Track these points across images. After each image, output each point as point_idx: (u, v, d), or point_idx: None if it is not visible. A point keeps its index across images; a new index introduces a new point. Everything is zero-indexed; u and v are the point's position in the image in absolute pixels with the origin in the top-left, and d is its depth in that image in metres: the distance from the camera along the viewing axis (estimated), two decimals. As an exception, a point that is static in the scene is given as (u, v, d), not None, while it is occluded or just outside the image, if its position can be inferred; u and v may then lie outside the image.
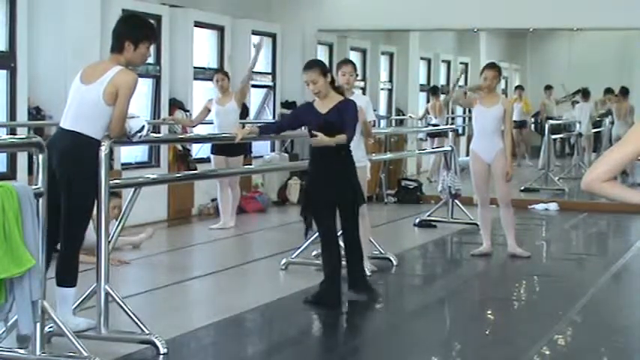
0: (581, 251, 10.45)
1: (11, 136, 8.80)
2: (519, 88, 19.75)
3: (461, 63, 20.15)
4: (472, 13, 14.24)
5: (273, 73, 14.52)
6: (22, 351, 5.11)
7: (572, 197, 14.64)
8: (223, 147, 10.65)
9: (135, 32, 5.71)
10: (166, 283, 7.89)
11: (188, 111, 12.08)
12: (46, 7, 10.01)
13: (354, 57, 15.96)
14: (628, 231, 12.08)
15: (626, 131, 3.08)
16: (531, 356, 5.77)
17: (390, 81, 18.16)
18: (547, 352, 5.95)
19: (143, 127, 5.73)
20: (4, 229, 4.70)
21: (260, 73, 14.23)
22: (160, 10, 11.73)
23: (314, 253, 8.32)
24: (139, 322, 5.60)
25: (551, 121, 16.56)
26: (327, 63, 9.63)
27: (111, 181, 5.68)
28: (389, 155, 13.42)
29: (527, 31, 16.57)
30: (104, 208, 5.57)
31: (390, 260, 8.65)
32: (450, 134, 12.32)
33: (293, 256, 8.42)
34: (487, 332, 6.65)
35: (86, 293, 5.75)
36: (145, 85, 11.60)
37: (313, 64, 7.13)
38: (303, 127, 7.40)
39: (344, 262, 7.13)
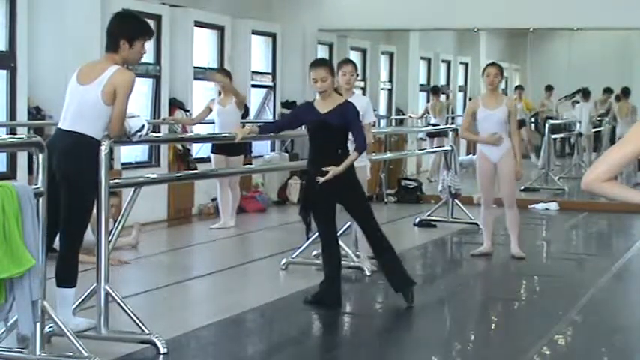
0: (581, 251, 10.45)
1: (11, 136, 8.80)
2: (519, 88, 19.77)
3: (461, 63, 20.18)
4: (472, 13, 14.24)
5: (273, 73, 14.52)
6: (22, 351, 5.11)
7: (572, 197, 14.64)
8: (223, 146, 10.65)
9: (129, 30, 5.69)
10: (166, 283, 7.89)
11: (188, 111, 12.08)
12: (46, 7, 10.02)
13: (354, 57, 15.97)
14: (628, 231, 12.08)
15: None
16: (531, 356, 5.77)
17: (390, 81, 18.17)
18: (547, 352, 5.95)
19: (143, 126, 5.73)
20: (4, 229, 4.70)
21: (260, 73, 14.24)
22: (160, 10, 11.73)
23: (314, 253, 8.32)
24: (139, 322, 5.60)
25: (551, 121, 16.56)
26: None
27: (111, 181, 5.68)
28: (389, 155, 13.41)
29: (527, 31, 16.58)
30: (104, 208, 5.57)
31: (390, 260, 8.63)
32: (450, 134, 12.31)
33: (293, 256, 8.42)
34: (487, 332, 6.65)
35: (86, 293, 5.75)
36: (144, 85, 11.60)
37: (323, 62, 7.22)
38: (302, 127, 7.40)
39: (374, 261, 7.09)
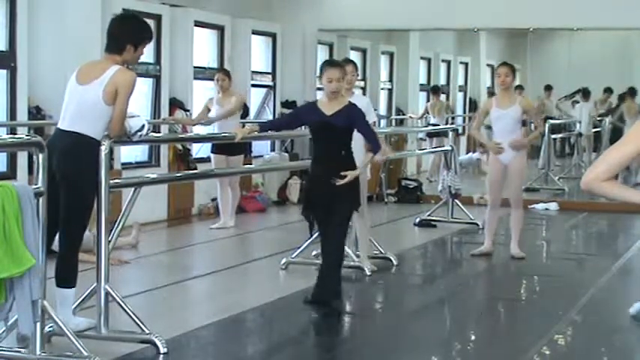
0: (581, 251, 10.45)
1: (11, 135, 8.79)
2: (519, 87, 19.74)
3: (461, 63, 20.17)
4: (472, 13, 14.24)
5: (273, 73, 14.52)
6: (22, 351, 5.12)
7: (572, 197, 14.64)
8: (223, 146, 10.64)
9: (136, 35, 5.70)
10: (166, 283, 7.89)
11: (188, 110, 12.07)
12: (46, 7, 10.01)
13: (354, 57, 15.95)
14: (628, 231, 12.08)
15: None
16: (531, 356, 5.77)
17: (390, 81, 18.16)
18: (547, 352, 5.95)
19: (143, 126, 5.73)
20: (4, 229, 4.70)
21: (260, 73, 14.24)
22: (160, 10, 11.73)
23: (314, 253, 8.32)
24: (139, 322, 5.60)
25: (551, 121, 16.56)
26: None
27: (111, 181, 5.68)
28: (388, 155, 13.38)
29: (527, 31, 16.56)
30: (104, 207, 5.57)
31: (390, 260, 8.65)
32: (450, 134, 12.31)
33: (293, 256, 8.42)
34: (487, 332, 6.65)
35: (86, 293, 5.75)
36: (145, 85, 11.60)
37: (339, 62, 7.31)
38: (302, 127, 7.40)
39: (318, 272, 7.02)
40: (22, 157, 9.48)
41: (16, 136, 8.71)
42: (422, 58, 18.85)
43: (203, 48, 12.92)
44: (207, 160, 11.26)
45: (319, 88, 14.40)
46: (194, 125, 11.31)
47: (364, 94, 15.12)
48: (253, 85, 13.96)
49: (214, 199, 11.76)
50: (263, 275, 8.57)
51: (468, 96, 20.36)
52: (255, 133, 7.09)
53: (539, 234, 11.63)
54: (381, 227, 11.07)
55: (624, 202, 3.05)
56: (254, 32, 13.83)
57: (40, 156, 4.96)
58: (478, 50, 19.76)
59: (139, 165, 11.48)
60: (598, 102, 18.31)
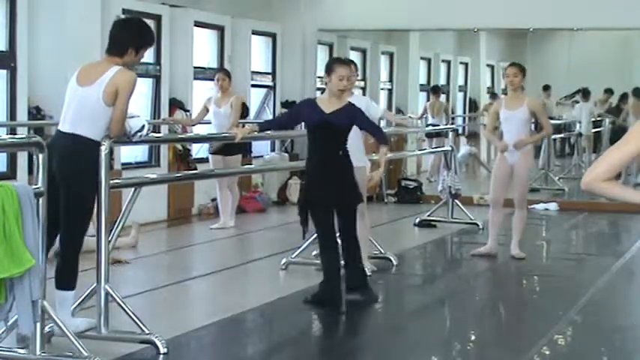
0: (581, 251, 10.45)
1: (11, 136, 8.79)
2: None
3: (461, 63, 20.16)
4: (472, 13, 14.24)
5: (273, 73, 14.52)
6: (22, 351, 5.12)
7: (572, 197, 14.64)
8: (220, 146, 10.64)
9: (138, 39, 5.71)
10: (166, 283, 7.89)
11: (188, 111, 12.07)
12: (46, 7, 10.01)
13: (354, 57, 15.94)
14: (628, 231, 12.08)
15: None
16: (531, 356, 5.77)
17: (390, 81, 18.16)
18: (547, 352, 5.95)
19: (143, 126, 5.73)
20: (4, 229, 4.70)
21: (260, 73, 14.24)
22: (160, 10, 11.73)
23: (314, 253, 8.31)
24: (139, 322, 5.60)
25: (551, 121, 16.54)
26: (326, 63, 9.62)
27: (111, 181, 5.68)
28: (389, 155, 13.38)
29: (527, 31, 16.56)
30: (104, 208, 5.57)
31: (390, 260, 8.65)
32: (450, 134, 12.31)
33: (293, 256, 8.42)
34: (487, 332, 6.65)
35: (86, 293, 5.75)
36: (145, 85, 11.60)
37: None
38: (301, 126, 7.39)
39: (343, 263, 7.11)
40: (22, 157, 9.48)
41: (16, 136, 8.73)
42: (422, 58, 18.84)
43: (203, 48, 12.92)
44: (207, 160, 11.26)
45: (319, 88, 14.42)
46: (194, 126, 11.30)
47: (364, 94, 15.13)
48: (253, 86, 13.96)
49: (214, 200, 11.76)
50: (263, 275, 8.56)
51: (468, 96, 20.36)
52: (255, 133, 7.10)
53: (539, 234, 11.63)
54: (381, 227, 11.06)
55: (624, 202, 3.05)
56: (254, 32, 13.83)
57: (40, 156, 4.96)
58: (478, 50, 19.76)
59: (139, 165, 11.48)
60: (598, 102, 18.31)
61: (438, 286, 8.40)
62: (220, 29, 13.05)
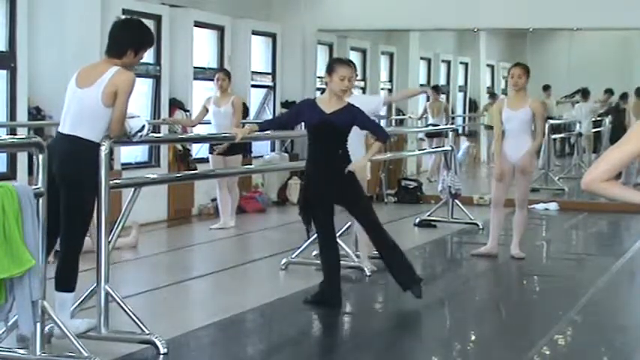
0: (581, 251, 10.45)
1: (11, 136, 8.80)
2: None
3: (461, 63, 20.17)
4: (472, 13, 14.24)
5: (273, 73, 14.52)
6: (22, 351, 5.12)
7: (572, 197, 14.63)
8: (225, 147, 10.64)
9: (138, 40, 5.71)
10: (166, 283, 7.89)
11: (188, 111, 12.07)
12: (46, 7, 10.01)
13: (354, 57, 15.97)
14: (628, 231, 12.08)
15: None
16: (531, 356, 5.77)
17: (390, 81, 18.17)
18: (547, 352, 5.95)
19: (143, 126, 5.73)
20: (4, 229, 4.70)
21: (260, 73, 14.24)
22: (160, 10, 11.73)
23: (314, 253, 8.31)
24: (139, 322, 5.60)
25: (551, 121, 16.56)
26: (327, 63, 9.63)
27: (111, 182, 5.67)
28: (389, 155, 13.41)
29: (527, 31, 16.57)
30: (104, 208, 5.57)
31: (390, 260, 8.63)
32: (450, 134, 12.31)
33: (293, 256, 8.42)
34: (487, 332, 6.65)
35: (86, 293, 5.75)
36: (144, 85, 11.60)
37: (351, 62, 7.32)
38: (301, 126, 7.39)
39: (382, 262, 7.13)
40: (22, 158, 9.47)
41: (16, 136, 8.73)
42: (422, 58, 18.86)
43: (203, 48, 12.93)
44: (207, 160, 11.26)
45: (319, 88, 14.43)
46: (193, 126, 11.31)
47: (364, 94, 15.13)
48: (253, 86, 13.96)
49: (214, 200, 11.76)
50: (263, 275, 8.57)
51: (468, 96, 20.37)
52: (255, 132, 7.09)
53: (539, 234, 11.62)
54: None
55: (624, 202, 3.05)
56: (254, 32, 13.84)
57: (40, 156, 4.96)
58: (478, 50, 19.78)
59: (139, 165, 11.48)
60: (599, 102, 18.31)
61: (438, 286, 8.39)
62: (220, 29, 13.06)
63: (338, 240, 7.25)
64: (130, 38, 5.70)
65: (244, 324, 6.69)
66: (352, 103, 7.04)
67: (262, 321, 6.91)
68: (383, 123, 16.58)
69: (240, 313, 6.78)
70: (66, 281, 5.57)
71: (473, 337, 6.55)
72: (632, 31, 16.12)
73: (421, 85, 18.80)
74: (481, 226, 10.90)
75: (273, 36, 14.44)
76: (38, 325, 4.95)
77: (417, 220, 11.45)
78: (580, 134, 17.41)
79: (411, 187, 14.25)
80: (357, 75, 8.34)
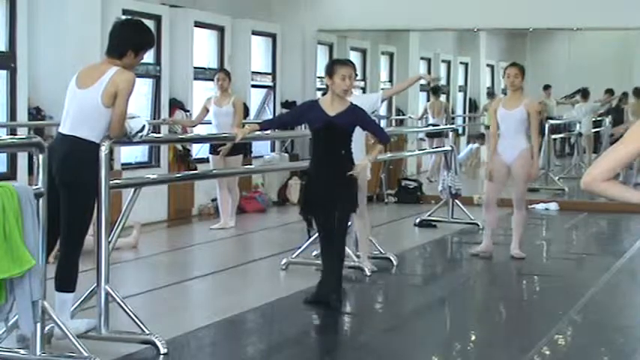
0: (581, 251, 10.44)
1: (11, 136, 8.80)
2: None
3: (461, 63, 20.17)
4: (472, 13, 14.24)
5: (273, 73, 14.52)
6: (22, 351, 5.12)
7: (572, 197, 14.63)
8: (220, 146, 10.64)
9: (138, 41, 5.71)
10: (166, 283, 7.89)
11: (188, 111, 12.08)
12: (46, 7, 10.01)
13: (354, 57, 15.96)
14: (628, 231, 12.08)
15: None
16: (531, 356, 5.77)
17: (390, 81, 18.16)
18: (547, 352, 5.95)
19: (143, 127, 5.73)
20: (4, 229, 4.70)
21: (260, 73, 14.24)
22: (160, 10, 11.73)
23: (314, 253, 8.31)
24: (139, 322, 5.60)
25: (551, 121, 16.55)
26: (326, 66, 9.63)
27: (111, 182, 5.68)
28: (389, 155, 13.40)
29: (527, 31, 16.56)
30: (104, 208, 5.57)
31: (390, 260, 8.65)
32: (450, 134, 12.31)
33: (293, 256, 8.42)
34: (487, 332, 6.65)
35: (86, 293, 5.75)
36: (145, 85, 11.60)
37: (351, 62, 7.34)
38: (303, 127, 7.40)
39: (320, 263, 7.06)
40: (22, 158, 9.48)
41: (16, 136, 8.73)
42: (422, 58, 18.84)
43: (203, 48, 12.93)
44: (207, 160, 11.26)
45: (319, 89, 14.43)
46: (194, 126, 11.31)
47: (364, 93, 15.12)
48: (253, 86, 13.96)
49: (214, 200, 11.76)
50: (263, 275, 8.57)
51: (468, 96, 20.36)
52: (256, 132, 7.09)
53: (539, 234, 11.63)
54: (381, 227, 11.07)
55: (624, 202, 3.05)
56: (254, 32, 13.84)
57: (40, 156, 4.96)
58: (478, 50, 19.76)
59: (139, 165, 11.48)
60: (599, 101, 18.30)
61: (438, 286, 8.40)
62: (220, 29, 13.06)
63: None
64: (130, 39, 5.70)
65: (244, 324, 6.69)
66: (355, 104, 7.05)
67: (262, 321, 6.91)
68: (383, 123, 16.67)
69: (240, 313, 6.78)
70: (66, 281, 5.57)
71: (473, 337, 6.55)
72: (632, 31, 16.10)
73: (421, 85, 18.80)
74: (481, 226, 10.88)
75: (273, 36, 14.44)
76: (38, 325, 4.95)
77: (418, 220, 11.45)
78: (580, 134, 17.40)
79: (412, 187, 14.25)
80: (356, 74, 8.36)
